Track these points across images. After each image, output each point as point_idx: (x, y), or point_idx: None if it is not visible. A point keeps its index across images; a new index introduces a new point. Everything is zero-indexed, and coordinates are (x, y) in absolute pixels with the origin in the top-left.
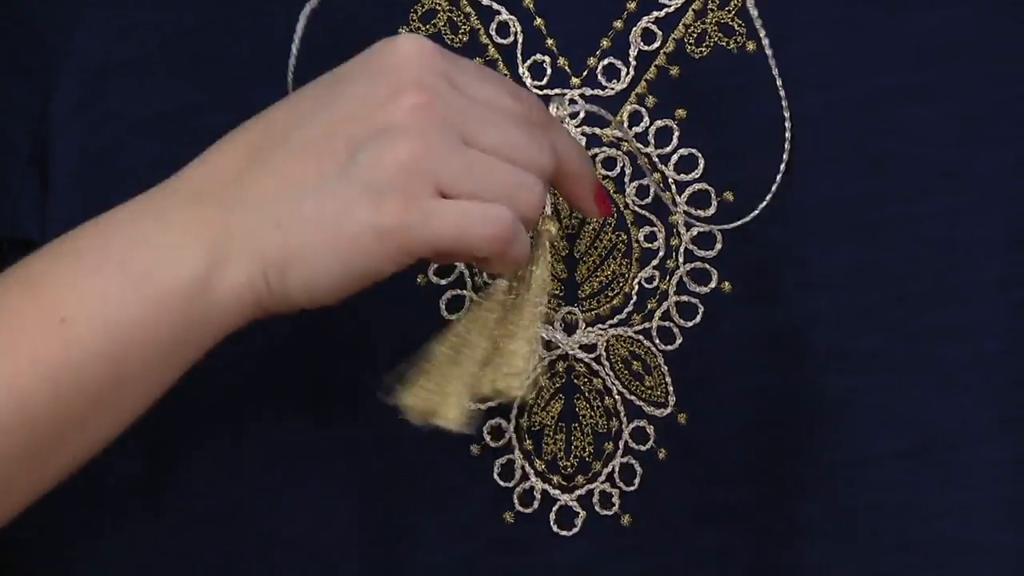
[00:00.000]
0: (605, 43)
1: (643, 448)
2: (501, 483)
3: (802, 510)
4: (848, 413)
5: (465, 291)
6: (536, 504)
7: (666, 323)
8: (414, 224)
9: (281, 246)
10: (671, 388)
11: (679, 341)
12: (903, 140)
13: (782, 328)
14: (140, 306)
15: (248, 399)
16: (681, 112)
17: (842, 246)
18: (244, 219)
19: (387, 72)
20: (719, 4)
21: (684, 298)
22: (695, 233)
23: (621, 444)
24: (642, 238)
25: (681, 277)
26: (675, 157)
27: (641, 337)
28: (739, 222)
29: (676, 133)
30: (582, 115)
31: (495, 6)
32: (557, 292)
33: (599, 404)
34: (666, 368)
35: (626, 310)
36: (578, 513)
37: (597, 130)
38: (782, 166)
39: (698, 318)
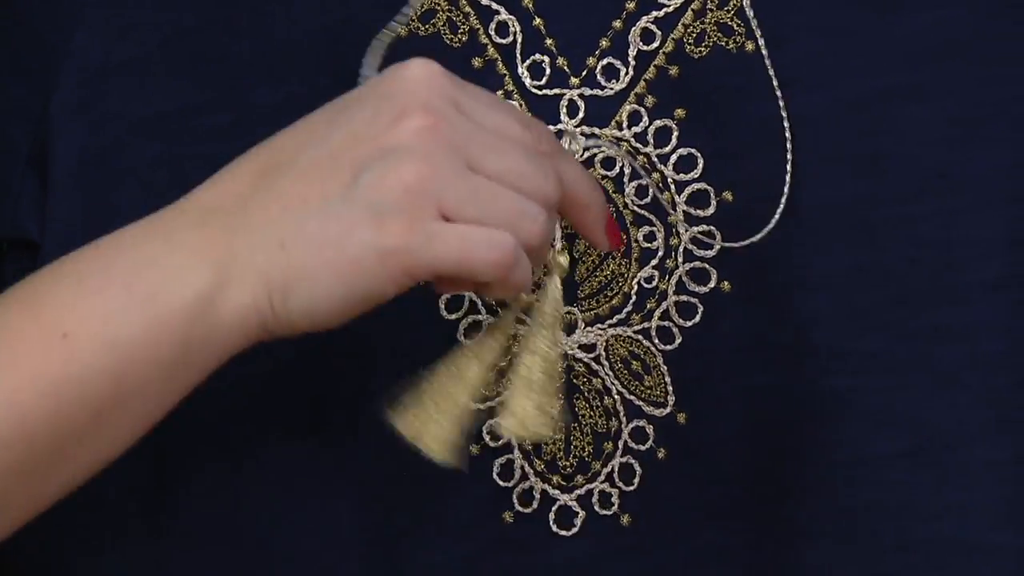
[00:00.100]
0: (604, 43)
1: (642, 448)
2: (500, 483)
3: (802, 510)
4: (847, 413)
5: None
6: (535, 504)
7: (665, 323)
8: (416, 246)
9: (284, 267)
10: (670, 388)
11: (678, 341)
12: (899, 140)
13: (781, 328)
14: (143, 325)
15: (249, 408)
16: (680, 112)
17: (840, 246)
18: (249, 240)
19: (395, 95)
20: (718, 4)
21: (683, 298)
22: (694, 232)
23: (620, 444)
24: (641, 238)
25: (680, 277)
26: (674, 157)
27: (640, 337)
28: (756, 237)
29: (675, 133)
30: (588, 142)
31: (494, 6)
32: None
33: (598, 404)
34: (665, 368)
35: (625, 310)
36: (577, 513)
37: (597, 129)
38: (788, 167)
39: (697, 318)
